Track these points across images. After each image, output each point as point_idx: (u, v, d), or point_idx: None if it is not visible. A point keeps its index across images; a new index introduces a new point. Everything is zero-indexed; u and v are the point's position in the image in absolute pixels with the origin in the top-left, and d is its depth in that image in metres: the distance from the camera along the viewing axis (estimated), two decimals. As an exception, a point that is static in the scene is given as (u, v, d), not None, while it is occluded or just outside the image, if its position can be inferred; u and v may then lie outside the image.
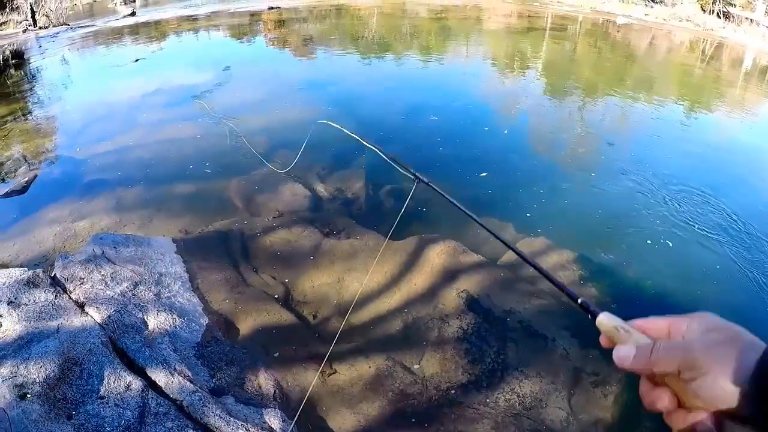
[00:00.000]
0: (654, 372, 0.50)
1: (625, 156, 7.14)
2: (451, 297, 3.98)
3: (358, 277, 4.17)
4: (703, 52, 17.65)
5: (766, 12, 21.29)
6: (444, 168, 6.22)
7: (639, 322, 0.56)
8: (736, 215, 5.52)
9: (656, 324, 0.54)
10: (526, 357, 3.51)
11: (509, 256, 4.55)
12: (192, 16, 17.37)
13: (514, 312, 3.87)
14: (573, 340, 3.65)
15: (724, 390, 0.45)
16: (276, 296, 3.99)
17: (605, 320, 0.58)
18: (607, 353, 0.56)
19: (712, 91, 11.99)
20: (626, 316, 0.57)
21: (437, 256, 4.37)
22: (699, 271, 4.66)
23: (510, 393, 3.26)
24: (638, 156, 7.08)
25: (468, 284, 4.10)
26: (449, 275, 4.18)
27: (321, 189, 5.72)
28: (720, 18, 22.14)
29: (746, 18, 22.04)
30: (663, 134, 8.17)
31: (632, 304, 4.17)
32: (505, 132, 7.77)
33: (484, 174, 6.07)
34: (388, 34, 14.04)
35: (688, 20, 21.72)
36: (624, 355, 0.53)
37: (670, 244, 4.98)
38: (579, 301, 0.65)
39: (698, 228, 5.27)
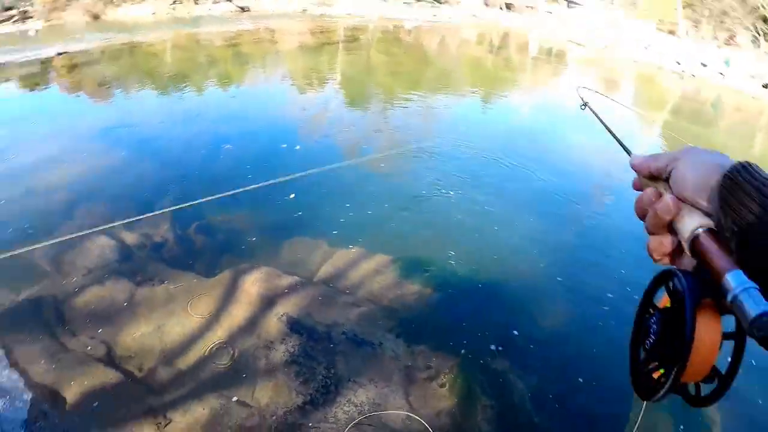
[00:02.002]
0: (651, 169, 0.60)
1: (430, 154, 8.04)
2: (273, 323, 4.13)
3: (178, 320, 4.13)
4: (491, 42, 20.23)
5: (545, -1, 25.09)
6: (251, 198, 5.95)
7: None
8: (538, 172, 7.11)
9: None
10: (356, 366, 3.76)
11: (325, 271, 4.86)
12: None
13: (337, 325, 4.13)
14: (399, 341, 4.02)
15: (684, 175, 0.55)
16: (98, 357, 3.82)
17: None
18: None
19: (504, 76, 14.20)
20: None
21: (252, 285, 4.51)
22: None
23: (347, 404, 3.46)
24: (443, 153, 8.15)
25: (287, 307, 4.28)
26: (267, 301, 4.33)
27: (128, 238, 5.37)
28: (502, 10, 25.76)
29: (527, 6, 26.06)
30: (466, 123, 9.77)
31: (456, 287, 4.82)
32: (298, 147, 7.88)
33: (291, 195, 6.12)
34: (186, 67, 13.74)
35: (474, 16, 24.62)
36: (638, 161, 0.64)
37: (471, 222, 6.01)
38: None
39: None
